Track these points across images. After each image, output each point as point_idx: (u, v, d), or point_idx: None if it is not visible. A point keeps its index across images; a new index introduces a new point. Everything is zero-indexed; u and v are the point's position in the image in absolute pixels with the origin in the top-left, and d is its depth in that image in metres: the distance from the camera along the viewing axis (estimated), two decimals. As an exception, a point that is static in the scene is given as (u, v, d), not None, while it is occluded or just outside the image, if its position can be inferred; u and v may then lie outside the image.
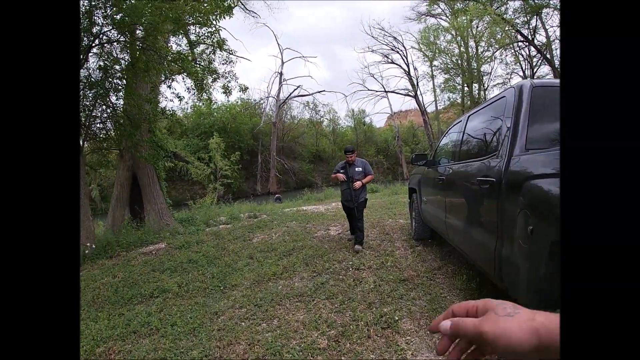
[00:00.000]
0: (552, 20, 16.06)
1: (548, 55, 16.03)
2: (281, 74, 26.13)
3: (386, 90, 21.80)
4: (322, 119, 32.31)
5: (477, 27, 16.82)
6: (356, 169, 4.26)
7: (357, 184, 4.17)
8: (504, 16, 15.17)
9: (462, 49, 17.68)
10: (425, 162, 3.65)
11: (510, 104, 1.92)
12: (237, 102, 26.38)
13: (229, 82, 7.33)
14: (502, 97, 2.13)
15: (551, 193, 1.33)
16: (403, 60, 19.97)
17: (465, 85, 18.38)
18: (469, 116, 2.78)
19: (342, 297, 2.76)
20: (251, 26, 47.18)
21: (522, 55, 17.98)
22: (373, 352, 2.00)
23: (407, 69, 20.19)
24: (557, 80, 2.18)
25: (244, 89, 7.98)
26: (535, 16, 15.45)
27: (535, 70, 17.85)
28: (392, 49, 20.25)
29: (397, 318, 2.33)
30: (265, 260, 4.09)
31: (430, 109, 21.84)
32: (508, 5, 15.71)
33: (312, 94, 27.71)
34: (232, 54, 7.56)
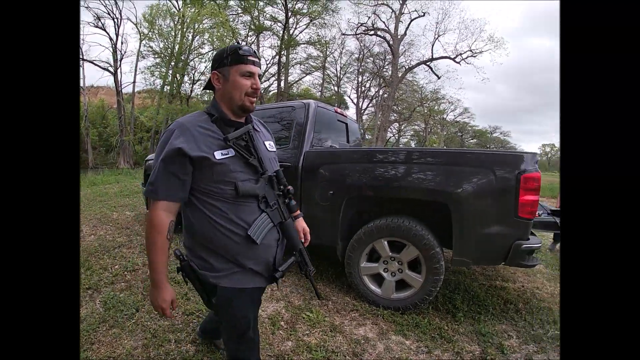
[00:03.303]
0: (268, 41, 21.87)
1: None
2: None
3: (84, 58, 17.85)
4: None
5: (203, 24, 16.90)
6: (267, 144, 1.23)
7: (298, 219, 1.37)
8: (231, 24, 17.84)
9: (179, 39, 17.01)
10: None
11: (301, 113, 2.69)
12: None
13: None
14: (290, 107, 2.83)
15: (337, 172, 2.35)
16: (114, 29, 17.74)
17: (170, 74, 17.73)
18: None
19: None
20: None
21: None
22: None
23: (115, 41, 17.36)
24: (328, 105, 3.08)
25: None
26: (256, 34, 19.79)
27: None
28: (108, 13, 16.70)
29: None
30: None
31: (126, 90, 19.63)
32: (239, 19, 19.46)
33: None
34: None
